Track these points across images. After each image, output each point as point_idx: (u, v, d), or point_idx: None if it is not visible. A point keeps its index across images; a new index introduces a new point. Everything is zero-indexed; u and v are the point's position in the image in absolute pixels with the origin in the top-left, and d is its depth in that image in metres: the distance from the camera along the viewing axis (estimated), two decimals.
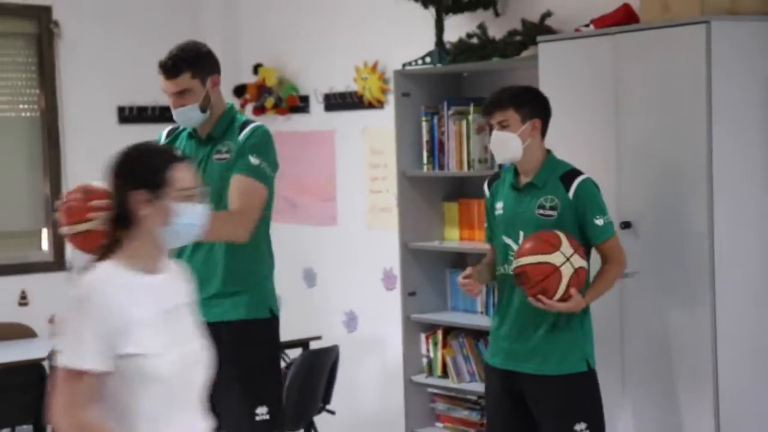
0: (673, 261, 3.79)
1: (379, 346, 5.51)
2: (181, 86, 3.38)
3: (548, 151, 3.55)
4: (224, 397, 3.37)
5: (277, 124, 5.99)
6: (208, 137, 3.47)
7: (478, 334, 4.79)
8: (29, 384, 4.74)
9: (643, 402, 3.89)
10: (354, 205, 5.65)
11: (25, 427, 4.94)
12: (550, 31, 4.47)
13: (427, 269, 5.00)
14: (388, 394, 5.36)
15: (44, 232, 5.85)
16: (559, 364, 3.44)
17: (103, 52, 5.91)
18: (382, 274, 5.50)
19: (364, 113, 5.53)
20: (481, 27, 4.71)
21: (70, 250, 5.65)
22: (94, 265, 2.40)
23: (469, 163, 4.73)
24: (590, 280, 3.49)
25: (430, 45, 4.88)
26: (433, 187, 5.01)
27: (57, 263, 5.70)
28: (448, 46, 4.83)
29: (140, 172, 2.42)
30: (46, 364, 4.91)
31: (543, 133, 3.54)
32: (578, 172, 3.49)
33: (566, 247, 3.36)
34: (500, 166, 4.59)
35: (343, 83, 5.61)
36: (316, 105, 5.80)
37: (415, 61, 4.91)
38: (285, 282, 6.00)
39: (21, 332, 5.25)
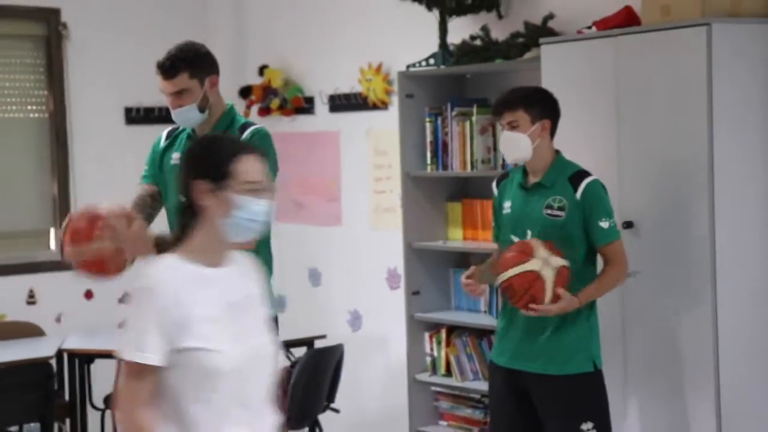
0: (675, 261, 3.78)
1: (383, 344, 5.51)
2: (178, 86, 3.34)
3: (557, 152, 3.54)
4: None
5: (282, 125, 6.00)
6: None
7: (481, 333, 4.80)
8: (37, 382, 4.75)
9: (645, 401, 3.89)
10: (358, 205, 5.65)
11: (32, 425, 4.95)
12: (552, 33, 4.47)
13: (430, 269, 5.00)
14: (392, 392, 5.36)
15: (52, 232, 5.86)
16: (565, 364, 3.43)
17: (111, 53, 5.92)
18: (386, 274, 5.50)
19: (369, 114, 5.53)
20: (485, 29, 4.72)
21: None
22: (156, 258, 2.37)
23: (472, 163, 4.73)
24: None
25: (433, 47, 4.88)
26: (437, 188, 5.01)
27: (64, 263, 5.70)
28: (451, 47, 4.83)
29: (204, 161, 2.36)
30: (53, 362, 4.93)
31: (552, 133, 3.53)
32: (587, 174, 3.48)
33: (541, 251, 3.35)
34: (503, 165, 4.63)
35: (348, 84, 5.61)
36: (321, 106, 5.81)
37: (419, 62, 4.92)
38: (290, 281, 6.02)
39: (29, 331, 5.26)
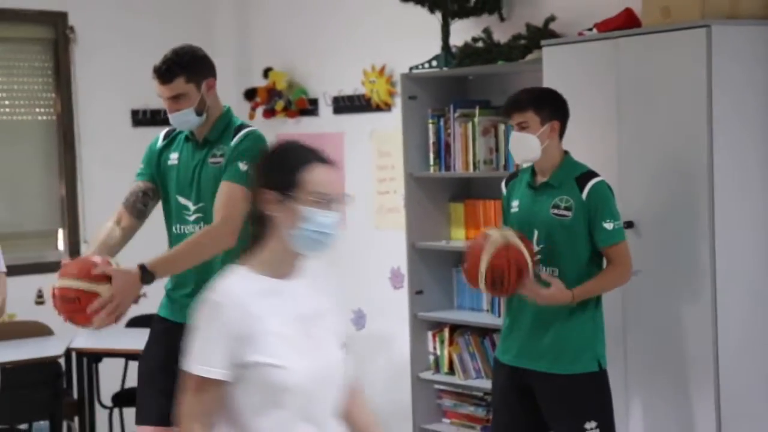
0: (675, 260, 3.78)
1: (386, 343, 5.51)
2: (175, 91, 3.29)
3: (566, 152, 3.53)
4: None
5: (287, 127, 6.00)
6: (205, 141, 3.38)
7: (483, 332, 4.79)
8: (46, 381, 4.76)
9: (646, 400, 3.89)
10: (362, 205, 5.65)
11: (42, 422, 4.95)
12: (553, 35, 4.47)
13: (433, 268, 5.00)
14: (395, 390, 5.36)
15: (60, 233, 5.86)
16: (570, 363, 3.41)
17: (117, 56, 5.93)
18: (390, 273, 5.50)
19: (372, 116, 5.53)
20: (487, 31, 4.71)
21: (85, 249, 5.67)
22: (226, 270, 2.25)
23: (474, 164, 4.73)
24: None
25: (436, 49, 4.88)
26: (440, 188, 5.01)
27: None
28: (454, 50, 4.83)
29: (273, 170, 2.23)
30: (62, 361, 4.94)
31: (561, 134, 3.51)
32: (594, 174, 3.47)
33: (488, 229, 3.43)
34: (505, 166, 4.63)
35: (352, 86, 5.62)
36: (325, 108, 5.81)
37: (422, 64, 4.92)
38: None
39: (38, 330, 5.27)
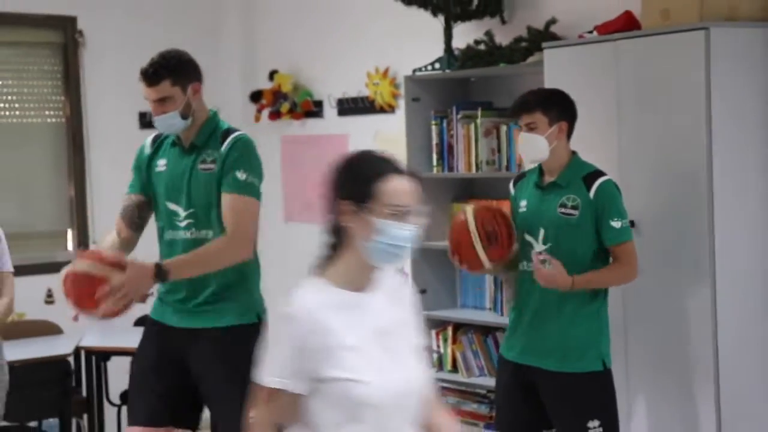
0: (675, 260, 3.78)
1: None
2: (161, 93, 3.28)
3: (574, 153, 3.53)
4: (218, 403, 3.34)
5: (292, 129, 6.01)
6: (192, 146, 3.36)
7: (486, 330, 4.80)
8: (55, 379, 4.78)
9: (647, 399, 3.89)
10: None
11: (51, 420, 4.97)
12: (554, 37, 4.47)
13: (437, 268, 5.01)
14: None
15: (69, 233, 5.88)
16: (574, 362, 3.40)
17: (125, 60, 5.93)
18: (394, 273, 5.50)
19: (376, 117, 5.54)
20: (488, 34, 4.72)
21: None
22: (302, 282, 2.18)
23: (477, 164, 4.74)
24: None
25: (439, 51, 4.89)
26: (443, 189, 5.01)
27: None
28: (456, 52, 4.83)
29: (349, 180, 2.16)
30: (71, 359, 4.95)
31: (569, 135, 3.51)
32: (601, 174, 3.46)
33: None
34: (507, 167, 4.63)
35: (356, 89, 5.62)
36: (330, 110, 5.82)
37: (425, 67, 4.92)
38: (301, 280, 6.01)
39: (47, 329, 5.29)
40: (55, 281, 5.68)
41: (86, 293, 3.07)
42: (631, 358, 3.91)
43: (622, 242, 3.41)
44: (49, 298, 5.59)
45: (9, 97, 5.77)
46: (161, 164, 3.40)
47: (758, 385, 3.80)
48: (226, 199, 3.26)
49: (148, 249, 3.48)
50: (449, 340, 4.90)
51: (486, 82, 4.92)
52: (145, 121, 5.97)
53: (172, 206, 3.35)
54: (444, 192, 5.01)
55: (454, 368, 4.88)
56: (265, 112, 6.07)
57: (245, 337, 3.33)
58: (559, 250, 3.42)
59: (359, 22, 5.61)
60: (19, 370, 4.33)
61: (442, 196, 5.01)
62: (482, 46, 4.71)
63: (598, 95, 4.00)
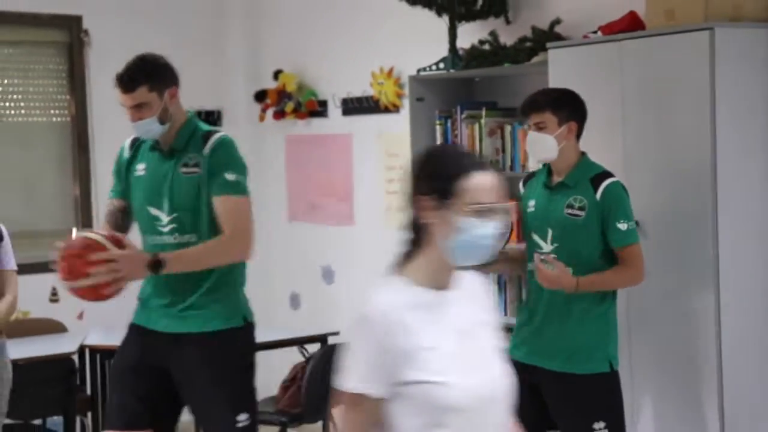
0: (679, 261, 3.77)
1: None
2: (138, 100, 3.24)
3: (583, 153, 3.51)
4: (205, 407, 3.32)
5: (296, 128, 6.01)
6: (172, 150, 3.32)
7: None
8: (60, 377, 4.78)
9: (651, 399, 3.88)
10: (371, 205, 5.65)
11: (55, 418, 4.97)
12: (559, 37, 4.46)
13: None
14: None
15: (74, 232, 5.87)
16: (581, 363, 3.37)
17: (130, 59, 5.94)
18: None
19: (381, 117, 5.53)
20: (493, 34, 4.71)
21: None
22: (381, 281, 2.09)
23: None
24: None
25: (443, 51, 4.88)
26: None
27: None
28: (461, 52, 4.83)
29: (430, 176, 2.07)
30: (75, 357, 4.95)
31: (578, 135, 3.49)
32: (609, 175, 3.44)
33: None
34: (511, 167, 4.63)
35: (360, 88, 5.62)
36: (334, 109, 5.81)
37: (430, 66, 4.92)
38: (305, 279, 6.03)
39: (52, 327, 5.29)
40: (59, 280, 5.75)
41: (79, 254, 3.06)
42: (635, 359, 3.90)
43: (628, 245, 3.39)
44: (54, 297, 5.59)
45: (14, 96, 5.77)
46: (140, 168, 3.37)
47: (762, 385, 3.78)
48: (219, 201, 3.24)
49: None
50: None
51: (490, 82, 4.91)
52: None
53: (153, 211, 3.32)
54: None
55: None
56: (270, 112, 6.06)
57: (232, 341, 3.32)
58: (565, 250, 3.40)
59: (364, 22, 5.60)
60: (24, 368, 4.33)
61: None
62: (487, 46, 4.70)
63: (603, 95, 3.98)
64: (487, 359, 2.11)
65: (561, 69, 4.13)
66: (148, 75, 3.27)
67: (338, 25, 5.75)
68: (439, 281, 2.08)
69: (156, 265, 3.14)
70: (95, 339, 5.04)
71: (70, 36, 5.83)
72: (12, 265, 3.96)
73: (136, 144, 3.44)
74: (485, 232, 2.04)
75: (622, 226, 3.37)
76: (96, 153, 5.87)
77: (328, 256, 5.91)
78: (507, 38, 4.69)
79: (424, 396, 2.00)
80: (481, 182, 2.05)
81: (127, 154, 3.45)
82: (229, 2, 6.25)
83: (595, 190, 3.40)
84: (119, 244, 3.13)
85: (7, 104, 5.75)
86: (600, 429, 3.36)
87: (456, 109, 4.82)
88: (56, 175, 5.87)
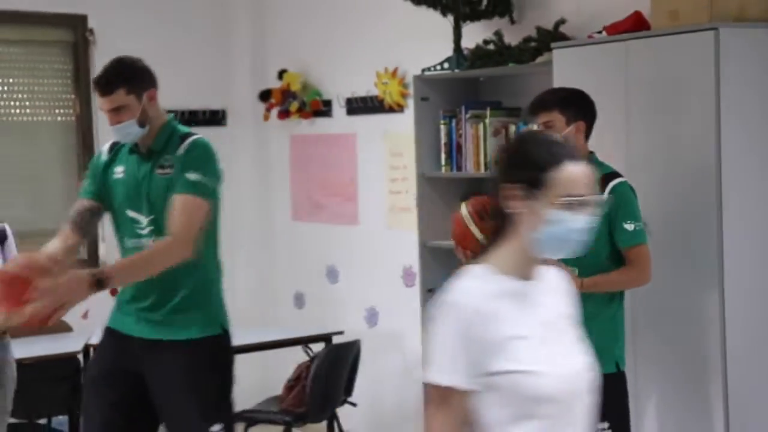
0: (683, 262, 3.77)
1: (398, 340, 5.52)
2: (116, 103, 3.22)
3: (591, 153, 3.50)
4: (176, 416, 3.28)
5: (301, 128, 6.02)
6: (150, 152, 3.30)
7: None
8: (65, 376, 4.79)
9: (655, 400, 3.88)
10: (375, 205, 5.66)
11: (60, 417, 4.98)
12: (563, 37, 4.46)
13: (445, 267, 4.99)
14: (407, 386, 5.36)
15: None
16: None
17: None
18: (402, 272, 5.50)
19: (385, 117, 5.53)
20: (498, 34, 4.71)
21: (104, 250, 5.70)
22: (464, 269, 2.02)
23: (486, 164, 4.73)
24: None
25: (448, 51, 4.88)
26: (451, 188, 5.00)
27: (91, 261, 5.74)
28: (465, 52, 4.82)
29: (519, 164, 2.00)
30: (80, 357, 4.96)
31: (587, 135, 3.49)
32: (617, 175, 3.44)
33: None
34: None
35: (365, 88, 5.62)
36: (339, 109, 5.82)
37: (434, 66, 4.92)
38: (309, 279, 6.03)
39: (56, 327, 5.25)
40: None
41: (10, 294, 2.92)
42: (639, 359, 3.89)
43: (635, 245, 3.38)
44: None
45: (20, 95, 5.78)
46: (119, 171, 3.34)
47: (767, 383, 3.78)
48: (176, 199, 3.18)
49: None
50: None
51: (495, 81, 4.91)
52: None
53: (132, 214, 3.29)
54: (452, 191, 5.00)
55: None
56: (274, 111, 6.07)
57: (208, 349, 3.29)
58: None
59: (368, 21, 5.60)
60: (29, 367, 4.34)
61: (451, 195, 5.00)
62: (491, 46, 4.70)
63: (608, 96, 3.98)
64: (572, 351, 2.06)
65: (565, 69, 4.13)
66: (125, 78, 3.25)
67: (342, 25, 5.75)
68: (524, 271, 2.02)
69: (99, 283, 3.01)
70: (100, 338, 5.04)
71: (75, 35, 5.83)
72: None
73: (115, 148, 3.40)
74: (575, 225, 1.97)
75: (629, 226, 3.37)
76: None
77: (333, 256, 5.91)
78: (512, 38, 4.69)
79: (514, 386, 1.94)
80: (573, 173, 1.97)
81: (105, 157, 3.40)
82: (235, 3, 6.25)
83: (603, 190, 3.39)
84: (50, 272, 2.95)
85: (13, 103, 5.76)
86: (604, 429, 3.36)
87: (460, 108, 4.82)
88: (61, 174, 5.88)
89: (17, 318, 2.93)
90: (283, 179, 6.17)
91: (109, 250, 5.51)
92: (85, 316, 5.63)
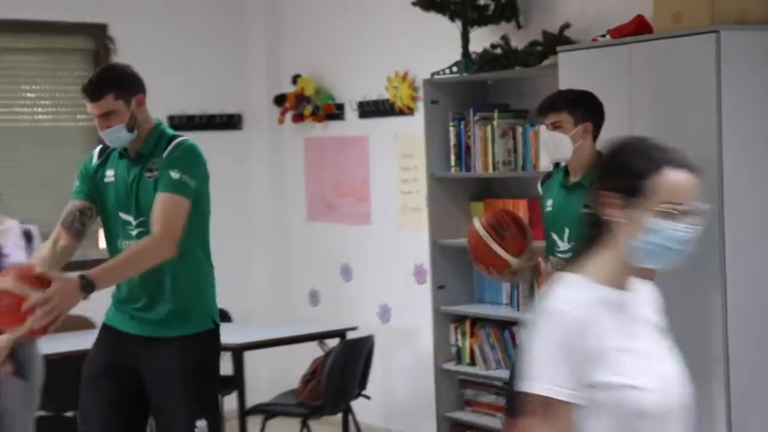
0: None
1: (411, 336, 5.53)
2: (105, 108, 3.20)
3: (599, 153, 3.52)
4: (164, 409, 3.27)
5: (314, 131, 6.03)
6: (138, 155, 3.29)
7: (503, 325, 4.80)
8: None
9: None
10: (387, 205, 5.67)
11: None
12: (568, 41, 4.47)
13: (455, 264, 5.01)
14: (419, 380, 5.37)
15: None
16: None
17: (155, 65, 5.95)
18: (414, 269, 5.52)
19: (396, 119, 5.55)
20: (504, 38, 4.72)
21: None
22: (561, 277, 1.92)
23: (494, 164, 4.74)
24: None
25: (456, 55, 4.89)
26: (460, 188, 5.02)
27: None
28: (473, 56, 4.84)
29: (618, 171, 1.88)
30: None
31: (595, 136, 3.50)
32: None
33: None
34: (523, 167, 4.64)
35: (376, 92, 5.63)
36: (351, 112, 5.83)
37: (443, 70, 4.93)
38: (324, 277, 6.05)
39: (82, 324, 5.32)
40: None
41: (10, 316, 2.92)
42: None
43: None
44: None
45: (43, 102, 5.82)
46: (109, 175, 3.34)
47: None
48: (158, 197, 3.17)
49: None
50: (467, 334, 4.90)
51: (502, 84, 4.92)
52: (174, 124, 6.01)
53: (124, 216, 3.29)
54: (462, 191, 5.02)
55: (472, 361, 4.89)
56: (289, 115, 6.09)
57: (201, 345, 3.28)
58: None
59: (379, 27, 5.62)
60: (55, 363, 4.37)
61: (460, 195, 5.02)
62: (498, 50, 4.71)
63: (611, 97, 3.98)
64: (669, 365, 1.96)
65: (571, 72, 4.14)
66: (114, 84, 3.23)
67: (354, 31, 5.77)
68: (620, 281, 1.91)
69: (87, 287, 3.00)
70: None
71: (96, 43, 5.87)
72: None
73: (105, 151, 3.40)
74: (675, 235, 1.85)
75: None
76: None
77: (346, 255, 5.93)
78: (518, 42, 4.70)
79: (618, 400, 1.83)
80: (676, 180, 1.84)
81: (95, 161, 3.39)
82: (250, 11, 6.27)
83: None
84: (44, 282, 2.95)
85: (37, 109, 5.80)
86: None
87: (469, 111, 4.83)
88: None
89: (19, 332, 2.95)
90: (298, 181, 6.19)
91: None
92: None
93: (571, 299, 1.85)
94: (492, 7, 4.80)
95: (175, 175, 3.18)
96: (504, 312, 4.79)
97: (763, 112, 3.77)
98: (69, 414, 4.98)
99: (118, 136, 3.24)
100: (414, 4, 4.89)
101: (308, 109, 5.95)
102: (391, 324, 5.68)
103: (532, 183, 4.16)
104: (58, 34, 5.80)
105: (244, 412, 4.80)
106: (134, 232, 3.27)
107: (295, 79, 6.02)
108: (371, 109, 5.68)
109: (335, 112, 5.89)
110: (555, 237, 3.49)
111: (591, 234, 1.92)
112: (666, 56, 3.82)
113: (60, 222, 3.36)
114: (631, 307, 1.91)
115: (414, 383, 5.50)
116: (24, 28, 5.65)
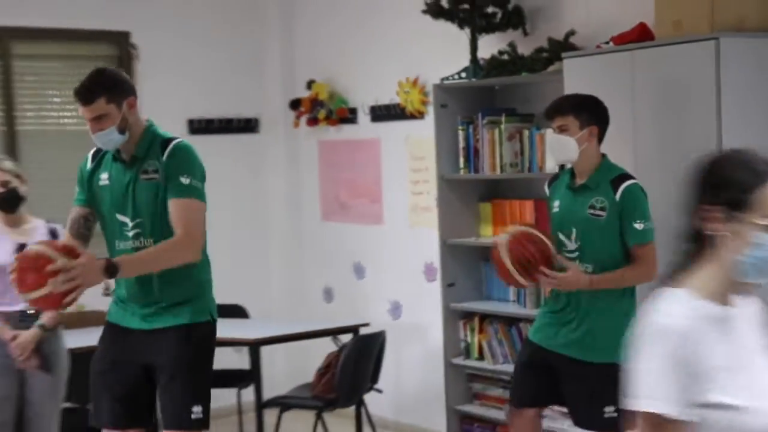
0: None
1: (421, 332, 5.55)
2: (96, 112, 3.17)
3: (603, 156, 3.52)
4: (167, 394, 3.28)
5: (328, 134, 6.06)
6: (133, 158, 3.26)
7: (511, 321, 4.81)
8: None
9: None
10: (398, 205, 5.69)
11: None
12: (573, 48, 4.48)
13: (464, 263, 5.03)
14: (429, 375, 5.39)
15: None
16: (598, 352, 3.37)
17: (176, 71, 6.02)
18: (424, 268, 5.54)
19: (407, 123, 5.56)
20: (512, 45, 4.74)
21: None
22: (662, 292, 1.81)
23: (501, 167, 4.76)
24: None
25: (465, 61, 4.91)
26: (469, 189, 5.03)
27: None
28: (481, 62, 4.85)
29: (721, 184, 1.79)
30: None
31: (600, 139, 3.51)
32: (628, 177, 3.45)
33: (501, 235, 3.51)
34: (530, 168, 4.65)
35: (388, 96, 5.65)
36: (364, 116, 5.85)
37: (452, 75, 4.94)
38: (337, 274, 6.07)
39: (103, 319, 5.36)
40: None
41: (31, 267, 2.95)
42: None
43: (642, 243, 3.39)
44: (106, 292, 5.65)
45: (68, 107, 5.85)
46: (104, 178, 3.33)
47: None
48: (173, 204, 3.18)
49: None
50: (476, 330, 4.92)
51: (509, 89, 4.93)
52: (194, 128, 6.05)
53: (120, 217, 3.29)
54: (470, 192, 5.03)
55: (481, 356, 4.90)
56: (304, 119, 6.11)
57: (198, 334, 3.29)
58: (588, 249, 3.42)
59: (391, 34, 5.64)
60: (80, 356, 4.39)
61: (469, 196, 5.03)
62: (506, 57, 4.73)
63: (615, 102, 3.99)
64: None
65: (576, 77, 4.15)
66: (105, 87, 3.20)
67: (367, 38, 5.79)
68: (723, 296, 1.80)
69: (111, 269, 3.04)
70: None
71: (119, 50, 5.91)
72: None
73: (98, 155, 3.38)
74: None
75: (639, 225, 3.38)
76: None
77: (359, 253, 5.95)
78: (525, 49, 4.71)
79: (726, 422, 1.74)
80: None
81: (89, 165, 3.36)
82: (267, 18, 6.30)
83: (615, 191, 3.41)
84: (72, 253, 3.00)
85: (64, 114, 5.84)
86: (610, 413, 3.37)
87: (477, 115, 4.85)
88: None
89: (34, 295, 2.94)
90: (313, 182, 6.21)
91: None
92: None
93: (676, 314, 1.76)
94: (499, 15, 4.81)
95: (185, 180, 3.18)
96: (511, 309, 4.80)
97: (761, 114, 3.77)
98: (90, 407, 5.02)
99: (110, 138, 3.22)
100: (424, 12, 4.91)
101: (322, 113, 5.98)
102: (402, 320, 5.70)
103: (539, 184, 4.18)
104: (83, 42, 5.84)
105: (261, 405, 4.83)
106: (131, 234, 3.26)
107: (310, 84, 6.04)
108: (383, 113, 5.70)
109: (348, 116, 5.92)
110: (562, 237, 3.50)
111: (691, 248, 1.83)
112: (667, 62, 3.83)
113: (67, 230, 3.39)
114: (734, 324, 1.81)
115: (424, 377, 5.52)
116: (50, 36, 5.69)
